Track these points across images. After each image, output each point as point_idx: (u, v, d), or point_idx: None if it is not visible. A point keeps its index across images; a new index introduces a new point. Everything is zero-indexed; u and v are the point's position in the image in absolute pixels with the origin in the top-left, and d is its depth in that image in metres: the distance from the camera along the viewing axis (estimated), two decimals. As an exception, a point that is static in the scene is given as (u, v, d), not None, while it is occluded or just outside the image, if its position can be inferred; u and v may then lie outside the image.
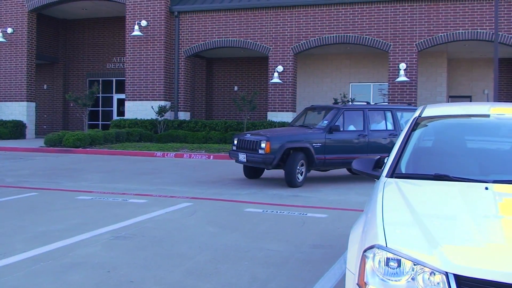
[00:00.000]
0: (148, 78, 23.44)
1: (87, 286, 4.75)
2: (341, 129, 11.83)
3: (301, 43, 21.81)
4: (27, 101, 25.77)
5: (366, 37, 20.96)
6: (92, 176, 12.66)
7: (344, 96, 21.88)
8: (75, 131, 21.52)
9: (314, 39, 21.61)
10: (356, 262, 2.93)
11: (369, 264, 2.75)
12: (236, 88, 27.65)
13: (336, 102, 20.22)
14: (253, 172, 12.44)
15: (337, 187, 11.39)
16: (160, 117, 22.45)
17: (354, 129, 12.16)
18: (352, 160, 12.20)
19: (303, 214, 8.25)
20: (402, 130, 12.13)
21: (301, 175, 11.29)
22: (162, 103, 23.05)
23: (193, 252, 5.92)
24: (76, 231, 6.78)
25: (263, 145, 11.06)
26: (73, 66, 29.95)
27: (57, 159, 16.97)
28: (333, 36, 21.36)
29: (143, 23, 23.16)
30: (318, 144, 11.44)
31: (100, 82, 28.87)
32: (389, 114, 12.56)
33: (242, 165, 12.40)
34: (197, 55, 25.36)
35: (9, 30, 25.49)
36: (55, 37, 29.34)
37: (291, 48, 21.94)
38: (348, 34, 21.17)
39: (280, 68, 21.99)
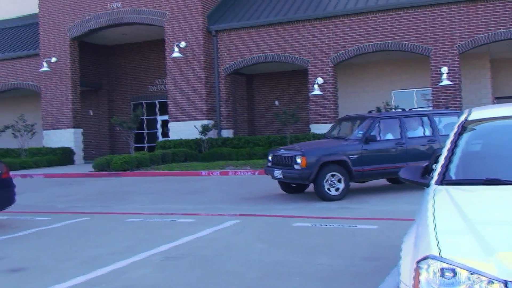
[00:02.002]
0: (189, 98, 23.72)
1: (140, 308, 4.80)
2: (378, 139, 11.53)
3: (340, 54, 21.71)
4: (74, 127, 26.41)
5: (405, 43, 20.71)
6: (141, 198, 12.83)
7: (387, 104, 21.62)
8: (122, 155, 21.90)
9: (353, 49, 21.49)
10: (409, 273, 2.86)
11: (423, 276, 2.68)
12: (277, 102, 27.68)
13: (379, 111, 19.98)
14: (292, 187, 12.28)
15: (385, 197, 11.22)
16: (204, 136, 22.64)
17: (391, 137, 11.86)
18: (392, 170, 11.98)
19: (352, 226, 8.15)
20: (440, 135, 11.86)
21: (334, 187, 10.96)
22: (205, 122, 23.26)
23: (244, 269, 5.91)
24: (127, 254, 6.86)
25: (298, 160, 10.83)
26: (116, 90, 30.58)
27: (106, 182, 17.29)
28: (371, 44, 21.20)
29: (182, 44, 23.49)
30: (355, 156, 11.16)
31: (144, 105, 29.35)
32: (426, 120, 12.20)
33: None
34: (237, 72, 25.53)
35: (53, 59, 26.25)
36: (98, 63, 30.04)
37: (330, 59, 21.86)
38: (387, 41, 20.97)
39: (320, 80, 21.92)
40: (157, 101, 29.48)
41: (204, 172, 18.33)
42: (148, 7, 24.27)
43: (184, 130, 23.69)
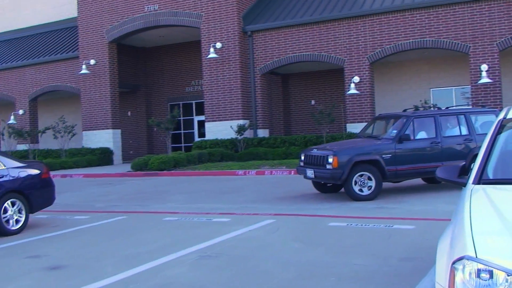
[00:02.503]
0: (225, 98, 23.83)
1: (176, 307, 4.84)
2: (412, 138, 11.35)
3: (377, 52, 21.49)
4: (113, 128, 26.84)
5: (443, 41, 20.37)
6: (177, 197, 12.95)
7: (425, 103, 21.31)
8: (159, 155, 22.14)
9: (390, 47, 21.24)
10: (445, 275, 2.81)
11: (459, 277, 2.64)
12: (313, 102, 27.55)
13: (416, 109, 19.69)
14: (327, 187, 12.22)
15: (423, 197, 11.06)
16: (240, 136, 22.71)
17: (426, 136, 11.65)
18: (426, 169, 11.80)
19: (389, 226, 8.06)
20: (477, 134, 11.59)
21: (365, 187, 10.85)
22: (241, 122, 23.33)
23: (279, 269, 5.90)
24: (163, 252, 6.94)
25: (330, 159, 10.76)
26: (154, 92, 30.94)
27: (144, 182, 17.51)
28: (409, 42, 20.92)
29: (218, 45, 23.61)
30: (388, 155, 11.01)
31: (181, 106, 29.63)
32: (462, 119, 11.91)
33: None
34: (272, 72, 25.52)
35: (92, 61, 26.71)
36: (135, 65, 30.44)
37: (367, 57, 21.66)
38: (425, 39, 20.65)
39: (356, 79, 21.74)
40: (193, 102, 29.70)
41: (240, 171, 18.38)
42: (184, 9, 24.47)
43: (220, 130, 23.81)
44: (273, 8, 24.56)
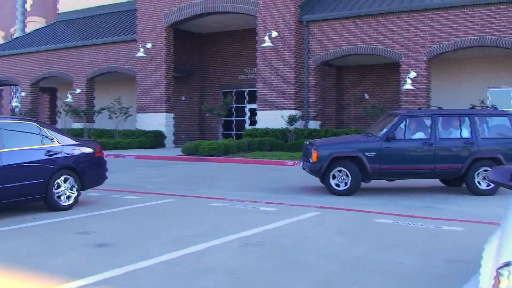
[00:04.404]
0: (278, 88, 23.82)
1: (217, 292, 4.91)
2: (402, 137, 11.15)
3: (435, 48, 21.02)
4: (166, 112, 27.27)
5: (504, 39, 19.74)
6: (225, 184, 13.07)
7: (483, 102, 20.76)
8: (210, 140, 22.37)
9: (448, 43, 20.74)
10: (489, 279, 2.75)
11: (503, 282, 2.57)
12: (366, 95, 27.22)
13: (473, 108, 19.21)
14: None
15: (473, 198, 10.81)
16: (290, 126, 22.68)
17: (420, 137, 11.31)
18: (414, 170, 11.74)
19: (436, 226, 7.91)
20: (481, 138, 11.18)
21: (342, 182, 11.03)
22: (292, 112, 23.28)
23: (321, 262, 5.89)
24: (208, 237, 7.03)
25: (312, 153, 11.13)
26: (208, 78, 31.21)
27: (193, 167, 17.73)
28: (468, 39, 20.37)
29: (274, 34, 23.58)
30: (372, 153, 10.94)
31: (233, 93, 29.82)
32: (466, 120, 11.36)
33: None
34: (327, 64, 25.34)
35: (149, 45, 27.14)
36: (191, 51, 30.76)
37: (424, 53, 21.22)
38: (485, 37, 20.06)
39: (412, 74, 21.34)
40: (246, 90, 29.83)
41: (289, 162, 18.37)
42: (242, -4, 24.53)
43: (271, 119, 23.84)
44: (331, -1, 24.35)
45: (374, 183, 12.71)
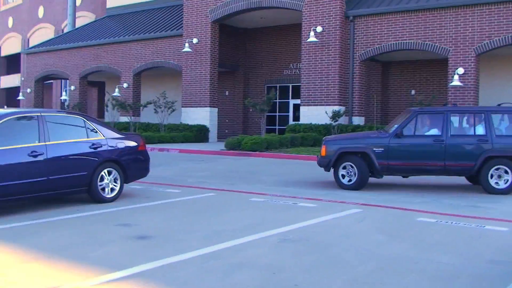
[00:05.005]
0: (322, 83, 23.64)
1: (252, 287, 4.90)
2: (411, 134, 11.10)
3: (484, 43, 20.46)
4: (210, 106, 27.45)
5: (560, 34, 19.06)
6: (266, 179, 13.07)
7: (532, 101, 20.12)
8: (253, 136, 22.40)
9: (499, 39, 20.14)
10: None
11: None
12: (413, 92, 26.73)
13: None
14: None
15: (522, 198, 10.50)
16: (334, 122, 22.49)
17: (431, 133, 11.18)
18: (424, 167, 11.76)
19: (480, 226, 7.71)
20: (496, 135, 10.82)
21: (349, 176, 11.23)
22: (336, 108, 23.09)
23: (359, 260, 5.82)
24: (246, 232, 7.04)
25: (321, 148, 11.58)
26: (252, 73, 31.24)
27: (235, 162, 17.80)
28: (521, 34, 19.74)
29: (319, 29, 23.41)
30: (380, 149, 11.02)
31: (277, 88, 29.74)
32: (481, 117, 11.05)
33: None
34: (372, 59, 24.99)
35: (195, 40, 27.36)
36: (236, 46, 30.84)
37: (473, 49, 20.68)
38: (539, 32, 19.40)
39: (460, 70, 20.84)
40: (290, 85, 29.73)
41: (332, 158, 18.20)
42: (287, -9, 24.42)
43: (314, 115, 23.69)
44: (377, -7, 23.99)
45: (413, 180, 12.53)
